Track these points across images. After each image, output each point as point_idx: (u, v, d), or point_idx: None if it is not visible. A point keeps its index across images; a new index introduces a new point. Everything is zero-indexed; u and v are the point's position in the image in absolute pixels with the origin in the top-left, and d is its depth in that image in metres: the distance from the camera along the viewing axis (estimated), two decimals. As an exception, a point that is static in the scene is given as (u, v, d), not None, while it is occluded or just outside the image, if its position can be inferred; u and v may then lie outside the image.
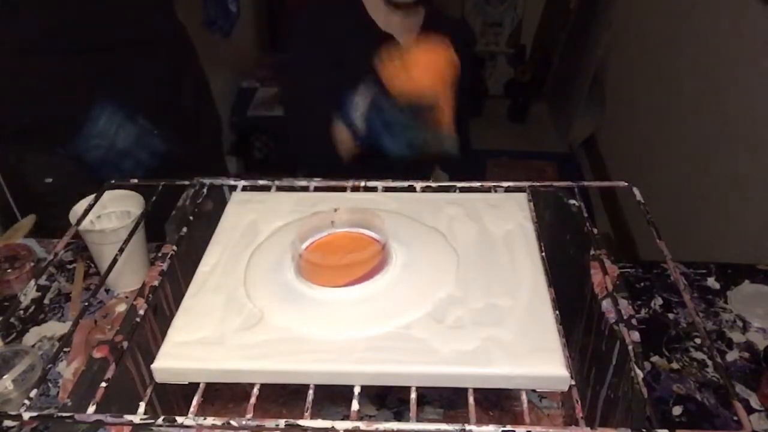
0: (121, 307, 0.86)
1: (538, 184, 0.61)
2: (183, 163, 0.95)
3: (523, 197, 0.60)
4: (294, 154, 1.19)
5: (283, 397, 0.75)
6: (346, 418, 0.39)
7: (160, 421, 0.39)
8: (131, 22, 1.02)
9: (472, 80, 3.12)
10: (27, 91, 0.93)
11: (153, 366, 0.45)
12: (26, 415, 0.40)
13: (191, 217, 0.59)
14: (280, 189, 0.62)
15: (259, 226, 0.58)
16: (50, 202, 1.03)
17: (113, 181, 0.61)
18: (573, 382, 0.42)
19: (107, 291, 0.90)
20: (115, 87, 0.98)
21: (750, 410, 0.72)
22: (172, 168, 0.97)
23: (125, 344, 0.48)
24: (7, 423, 0.67)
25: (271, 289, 0.50)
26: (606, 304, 0.52)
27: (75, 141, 0.94)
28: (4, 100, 0.94)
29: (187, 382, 0.45)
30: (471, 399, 0.42)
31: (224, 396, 0.75)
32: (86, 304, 0.52)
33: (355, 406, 0.42)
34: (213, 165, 1.35)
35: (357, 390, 0.43)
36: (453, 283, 0.50)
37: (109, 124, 0.95)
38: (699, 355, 0.78)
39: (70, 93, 0.95)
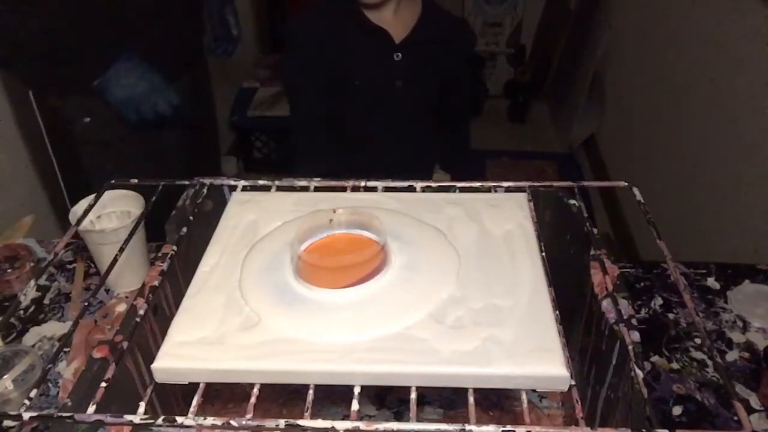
0: (121, 307, 0.86)
1: (538, 184, 0.61)
2: (189, 124, 1.20)
3: (523, 197, 0.60)
4: (298, 153, 1.19)
5: (283, 397, 0.75)
6: (346, 418, 0.39)
7: (160, 421, 0.39)
8: None
9: (472, 81, 3.11)
10: (70, 14, 1.03)
11: (153, 366, 0.45)
12: (26, 415, 0.40)
13: (191, 217, 0.59)
14: (280, 189, 0.62)
15: (259, 226, 0.58)
16: (87, 141, 1.19)
17: (113, 181, 0.62)
18: (573, 382, 0.42)
19: (107, 291, 0.90)
20: (141, 39, 1.11)
21: (750, 410, 0.72)
22: (181, 123, 1.18)
23: (125, 344, 0.48)
24: (7, 423, 0.67)
25: (269, 292, 0.50)
26: (606, 304, 0.52)
27: (105, 77, 1.07)
28: (45, 20, 1.02)
29: (187, 382, 0.45)
30: (471, 399, 0.42)
31: (224, 396, 0.75)
32: (86, 304, 0.52)
33: (355, 406, 0.42)
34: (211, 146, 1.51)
35: (357, 390, 0.43)
36: (453, 284, 0.50)
37: (135, 68, 1.09)
38: (699, 355, 0.78)
39: (104, 33, 1.07)
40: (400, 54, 1.05)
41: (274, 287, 0.50)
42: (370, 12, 1.02)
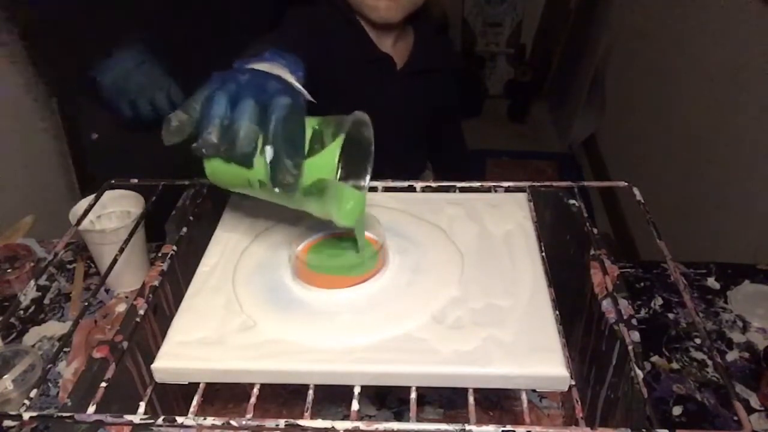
0: (121, 307, 0.86)
1: (538, 184, 0.61)
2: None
3: (523, 197, 0.60)
4: None
5: (283, 397, 0.75)
6: (346, 418, 0.39)
7: (160, 421, 0.39)
8: None
9: (472, 82, 3.08)
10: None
11: (153, 366, 0.45)
12: (26, 415, 0.40)
13: (191, 217, 0.59)
14: (280, 189, 0.62)
15: (259, 226, 0.58)
16: (99, 151, 1.15)
17: (113, 181, 0.62)
18: (573, 382, 0.42)
19: (107, 291, 0.90)
20: (147, 29, 1.04)
21: (750, 410, 0.72)
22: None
23: (125, 344, 0.48)
24: (7, 423, 0.67)
25: (265, 294, 0.50)
26: (606, 304, 0.52)
27: (106, 62, 1.00)
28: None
29: (187, 382, 0.45)
30: (471, 399, 0.42)
31: (224, 396, 0.75)
32: (86, 304, 0.52)
33: (355, 406, 0.42)
34: None
35: (357, 390, 0.43)
36: (453, 283, 0.50)
37: (134, 57, 1.01)
38: (699, 355, 0.78)
39: (109, 20, 1.01)
40: (400, 81, 1.04)
41: (270, 289, 0.50)
42: (377, 37, 1.00)
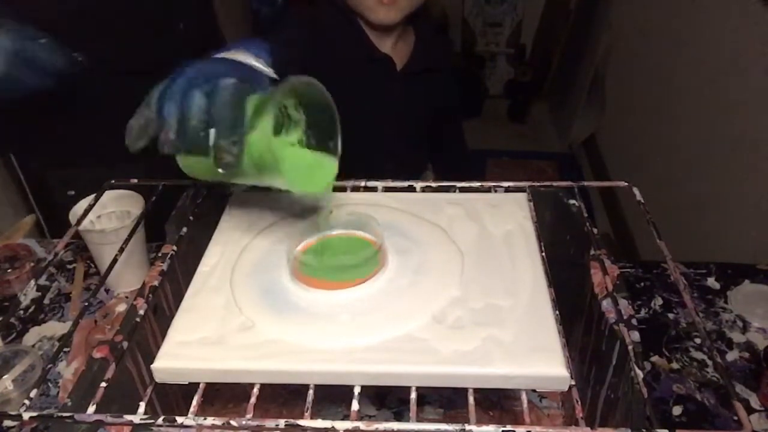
0: (121, 307, 0.86)
1: (538, 184, 0.61)
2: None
3: (523, 197, 0.60)
4: None
5: (283, 397, 0.75)
6: (346, 418, 0.39)
7: (160, 421, 0.39)
8: None
9: (471, 82, 3.07)
10: None
11: (153, 366, 0.45)
12: (26, 415, 0.40)
13: (191, 217, 0.59)
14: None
15: (259, 226, 0.58)
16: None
17: (113, 181, 0.62)
18: (573, 382, 0.42)
19: (107, 291, 0.90)
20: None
21: (750, 410, 0.72)
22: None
23: (125, 344, 0.48)
24: (7, 423, 0.67)
25: (265, 296, 0.50)
26: (606, 304, 0.52)
27: None
28: None
29: (187, 382, 0.45)
30: (471, 399, 0.42)
31: (224, 396, 0.75)
32: (86, 304, 0.52)
33: (355, 406, 0.42)
34: None
35: (357, 390, 0.43)
36: (453, 283, 0.50)
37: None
38: (699, 355, 0.78)
39: None
40: (400, 82, 1.04)
41: (269, 290, 0.50)
42: (377, 38, 1.00)
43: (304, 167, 0.52)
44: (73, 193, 1.00)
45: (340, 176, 0.54)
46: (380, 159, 1.09)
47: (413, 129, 1.12)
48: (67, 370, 0.77)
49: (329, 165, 0.53)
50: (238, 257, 0.54)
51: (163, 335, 0.47)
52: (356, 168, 1.18)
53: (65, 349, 0.79)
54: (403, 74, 1.02)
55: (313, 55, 0.92)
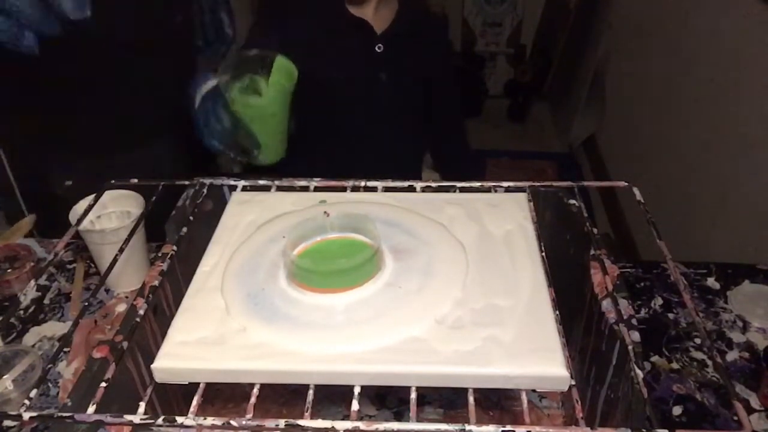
0: (121, 307, 0.86)
1: (538, 184, 0.61)
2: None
3: (523, 197, 0.60)
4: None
5: (283, 397, 0.75)
6: (346, 418, 0.39)
7: (160, 421, 0.39)
8: None
9: (471, 81, 3.07)
10: None
11: (153, 366, 0.45)
12: (26, 415, 0.40)
13: (191, 217, 0.59)
14: (280, 189, 0.62)
15: (259, 226, 0.58)
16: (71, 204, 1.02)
17: (113, 181, 0.62)
18: (573, 382, 0.42)
19: (107, 291, 0.90)
20: None
21: (750, 410, 0.72)
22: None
23: (125, 344, 0.48)
24: (7, 423, 0.67)
25: (261, 298, 0.50)
26: (606, 304, 0.52)
27: None
28: None
29: (187, 382, 0.45)
30: (471, 399, 0.42)
31: (224, 396, 0.75)
32: (86, 304, 0.52)
33: (355, 406, 0.42)
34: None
35: (357, 390, 0.43)
36: (457, 286, 0.50)
37: None
38: (699, 355, 0.78)
39: None
40: (381, 46, 1.04)
41: (267, 291, 0.50)
42: (352, 6, 1.01)
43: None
44: (70, 183, 1.05)
45: (337, 175, 0.54)
46: (370, 133, 1.11)
47: (401, 101, 1.11)
48: (67, 370, 0.77)
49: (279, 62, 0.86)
50: (232, 258, 0.54)
51: (163, 335, 0.47)
52: (336, 151, 1.18)
53: (65, 349, 0.79)
54: (384, 38, 1.03)
55: (292, 33, 0.98)
